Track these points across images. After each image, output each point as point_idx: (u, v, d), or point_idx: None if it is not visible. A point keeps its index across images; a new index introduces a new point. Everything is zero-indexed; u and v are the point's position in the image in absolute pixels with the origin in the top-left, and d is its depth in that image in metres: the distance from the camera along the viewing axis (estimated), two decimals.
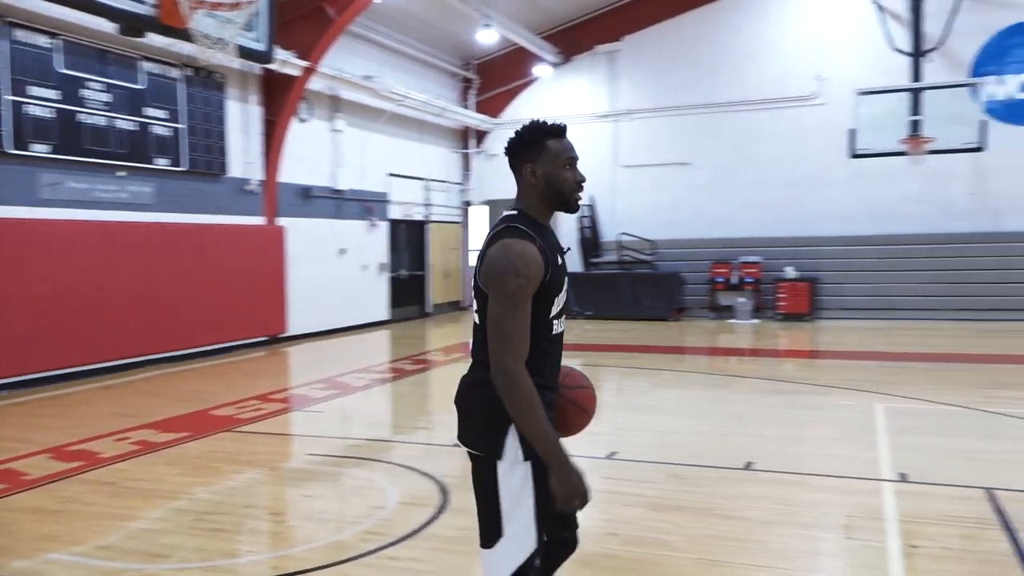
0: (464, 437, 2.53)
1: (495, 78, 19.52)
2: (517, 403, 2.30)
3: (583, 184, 2.60)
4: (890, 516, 4.77)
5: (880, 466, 5.81)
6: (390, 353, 13.24)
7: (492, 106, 19.69)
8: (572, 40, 18.75)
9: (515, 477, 2.40)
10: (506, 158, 2.60)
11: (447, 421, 7.97)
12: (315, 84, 13.86)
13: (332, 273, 14.90)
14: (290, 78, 13.05)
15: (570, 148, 2.58)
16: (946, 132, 13.76)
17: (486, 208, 21.52)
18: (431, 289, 18.60)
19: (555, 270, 2.45)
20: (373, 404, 8.98)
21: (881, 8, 15.24)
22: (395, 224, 17.13)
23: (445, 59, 18.72)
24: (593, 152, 18.81)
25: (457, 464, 6.32)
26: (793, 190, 16.86)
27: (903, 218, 16.26)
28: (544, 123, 2.58)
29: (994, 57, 15.82)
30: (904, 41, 14.81)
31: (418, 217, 18.11)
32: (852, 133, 14.13)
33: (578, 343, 13.98)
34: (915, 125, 13.88)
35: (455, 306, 19.63)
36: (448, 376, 10.74)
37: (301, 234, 13.96)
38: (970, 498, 5.00)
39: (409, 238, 17.87)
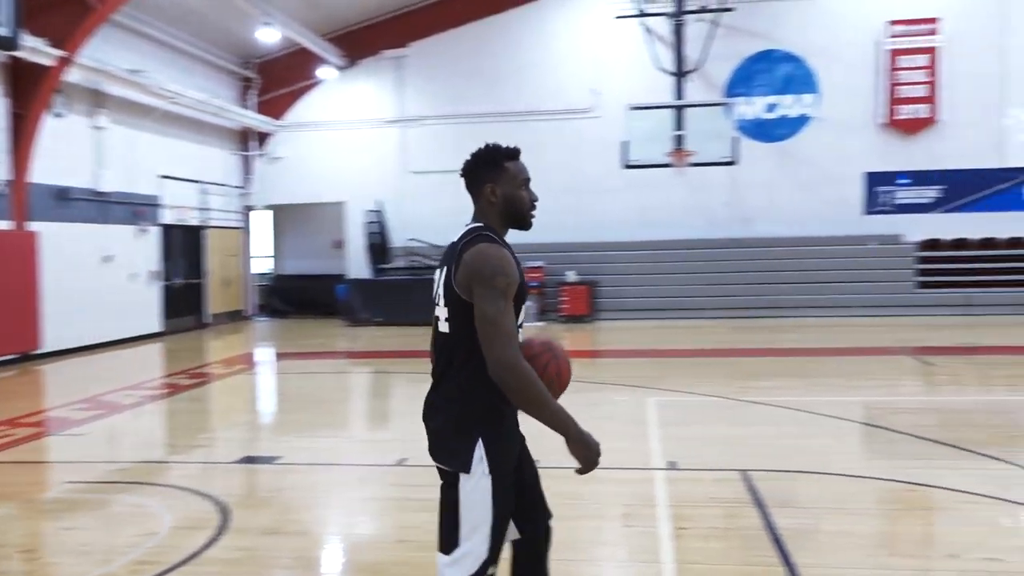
0: (435, 454, 2.63)
1: (277, 79, 18.86)
2: (529, 391, 2.41)
3: (536, 203, 2.70)
4: (662, 502, 5.12)
5: (652, 456, 6.23)
6: (164, 367, 12.36)
7: (275, 107, 19.00)
8: (358, 43, 18.53)
9: (477, 493, 2.51)
10: (463, 179, 2.70)
11: (229, 437, 7.57)
12: (73, 76, 12.66)
13: (95, 282, 13.67)
14: (41, 68, 11.82)
15: (524, 170, 2.70)
16: (706, 147, 15.06)
17: (270, 213, 20.70)
18: (209, 298, 17.59)
19: (522, 279, 2.58)
20: (144, 423, 8.33)
21: (649, 30, 16.41)
22: (168, 229, 16.02)
23: (223, 56, 17.81)
24: (381, 157, 18.71)
25: (239, 482, 6.01)
26: (574, 198, 17.72)
27: (672, 225, 17.60)
28: (501, 146, 2.68)
29: (744, 81, 17.57)
30: (669, 62, 16.04)
31: (194, 222, 17.07)
32: (625, 145, 15.09)
33: (368, 350, 13.81)
34: (679, 140, 15.07)
35: (237, 316, 18.71)
36: (230, 388, 10.20)
37: (58, 240, 12.69)
38: (729, 480, 5.48)
39: (184, 244, 16.79)
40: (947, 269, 16.96)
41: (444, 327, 2.59)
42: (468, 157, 2.70)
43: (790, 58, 17.51)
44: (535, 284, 17.09)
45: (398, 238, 18.26)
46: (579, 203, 17.76)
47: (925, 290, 16.86)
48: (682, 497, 5.21)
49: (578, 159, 17.83)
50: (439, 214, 17.99)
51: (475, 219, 2.69)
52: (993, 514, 4.80)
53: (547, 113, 17.90)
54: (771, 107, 17.64)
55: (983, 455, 6.03)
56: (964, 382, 9.66)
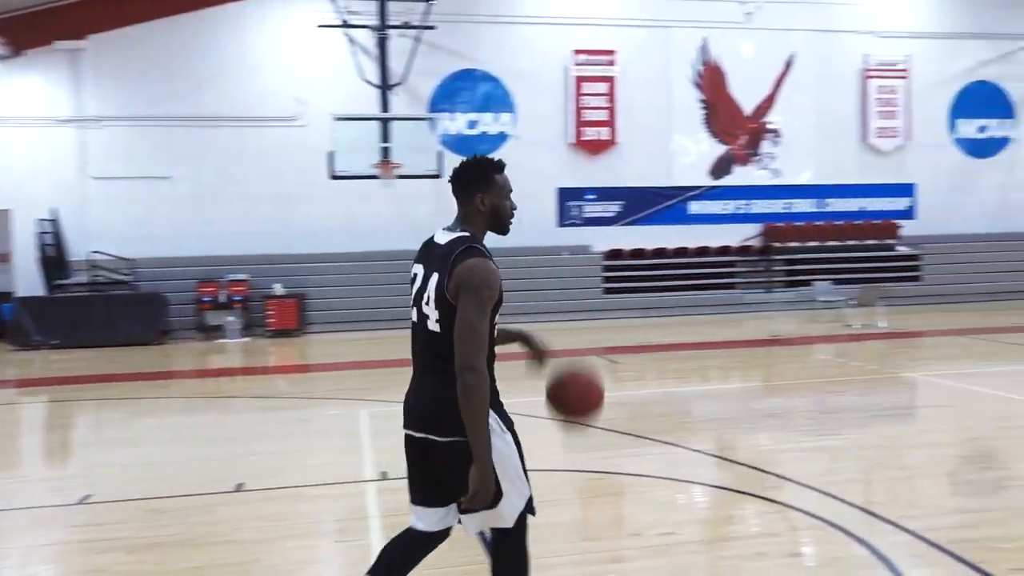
0: (440, 431, 2.84)
1: None
2: (478, 399, 2.72)
3: (515, 212, 3.04)
4: (374, 513, 5.11)
5: (364, 468, 6.20)
6: None
7: None
8: (24, 31, 16.38)
9: (503, 448, 2.86)
10: (451, 185, 2.97)
11: None
12: None
13: None
14: None
15: (508, 182, 3.02)
16: (412, 159, 15.35)
17: None
18: None
19: (501, 288, 2.86)
20: None
21: (353, 41, 16.38)
22: None
23: None
24: (54, 160, 16.68)
25: None
26: (279, 208, 17.13)
27: (380, 235, 17.69)
28: (490, 158, 2.99)
29: (447, 97, 18.20)
30: (374, 74, 16.14)
31: None
32: (331, 155, 14.90)
33: (42, 377, 12.23)
34: (385, 152, 15.21)
35: None
36: None
37: None
38: None
39: None
40: (628, 276, 18.88)
41: (434, 327, 2.88)
42: (458, 166, 2.99)
43: (489, 78, 18.46)
44: (239, 299, 16.26)
45: (78, 250, 16.39)
46: (285, 213, 17.22)
47: (610, 295, 18.63)
48: (396, 507, 5.23)
49: (283, 168, 17.28)
50: (128, 224, 16.46)
51: (460, 223, 3.00)
52: (667, 493, 5.42)
53: (250, 120, 17.14)
54: (472, 124, 18.46)
55: (658, 440, 6.78)
56: (644, 377, 10.79)
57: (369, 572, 3.09)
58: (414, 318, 2.99)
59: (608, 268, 18.85)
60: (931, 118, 20.81)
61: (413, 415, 2.96)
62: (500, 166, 3.02)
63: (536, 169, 18.67)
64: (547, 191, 18.85)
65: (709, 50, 19.56)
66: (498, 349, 3.06)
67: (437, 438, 2.88)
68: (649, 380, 10.55)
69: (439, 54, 17.75)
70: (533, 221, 18.65)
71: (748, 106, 19.91)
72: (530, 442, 6.85)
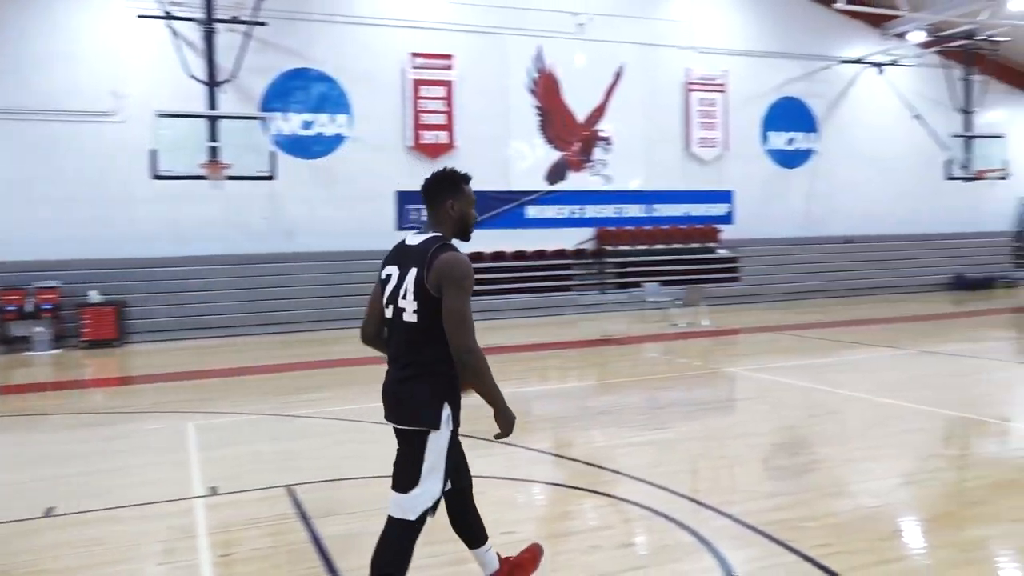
0: (405, 419, 3.22)
1: None
2: (484, 370, 3.18)
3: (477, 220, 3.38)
4: (202, 531, 4.85)
5: (192, 484, 5.88)
6: None
7: None
8: None
9: (440, 444, 3.20)
10: (423, 193, 3.33)
11: None
12: None
13: None
14: None
15: (472, 192, 3.39)
16: (242, 160, 14.75)
17: None
18: None
19: None
20: None
21: (176, 33, 15.52)
22: None
23: None
24: None
25: None
26: (96, 209, 15.94)
27: (208, 239, 16.86)
28: (458, 171, 3.36)
29: (280, 96, 17.61)
30: (200, 70, 15.36)
31: None
32: (153, 154, 14.06)
33: None
34: (214, 151, 14.53)
35: None
36: None
37: None
38: (274, 498, 5.41)
39: None
40: None
41: (411, 317, 3.17)
42: (429, 176, 3.33)
43: (324, 78, 18.05)
44: (48, 308, 14.99)
45: None
46: (102, 215, 16.03)
47: None
48: (225, 522, 5.00)
49: (100, 166, 16.09)
50: None
51: (431, 227, 3.31)
52: (507, 492, 5.50)
53: (61, 113, 15.83)
54: (307, 124, 17.98)
55: (496, 442, 6.87)
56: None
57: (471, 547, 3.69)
58: (389, 314, 3.28)
59: None
60: (746, 130, 22.38)
61: (387, 403, 3.30)
62: (467, 178, 3.41)
63: (374, 172, 18.47)
64: (386, 194, 18.67)
65: (543, 58, 20.08)
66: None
67: (399, 426, 3.26)
68: None
69: (271, 51, 17.17)
70: (372, 225, 18.42)
71: (581, 114, 20.61)
72: (369, 450, 6.78)
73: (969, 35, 21.81)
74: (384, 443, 7.10)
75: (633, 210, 21.23)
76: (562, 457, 6.50)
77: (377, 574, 3.24)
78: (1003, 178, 22.46)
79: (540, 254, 20.00)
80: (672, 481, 5.58)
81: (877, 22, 23.37)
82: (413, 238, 3.31)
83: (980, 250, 24.86)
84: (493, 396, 3.27)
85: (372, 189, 18.47)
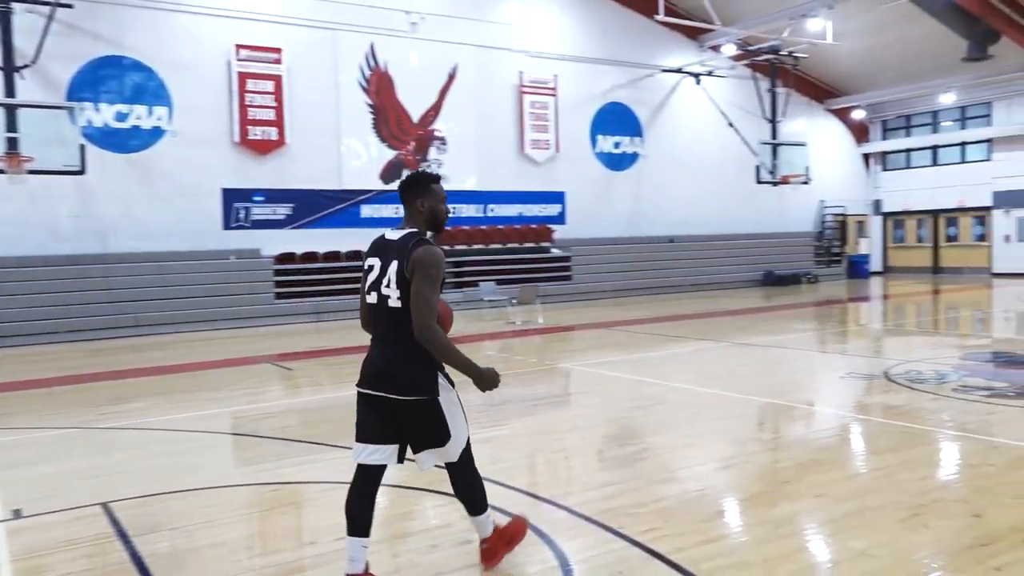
0: (402, 390, 3.66)
1: None
2: (442, 346, 3.56)
3: (451, 212, 4.29)
4: (4, 559, 4.42)
5: None
6: None
7: None
8: None
9: (451, 401, 3.74)
10: (399, 193, 3.82)
11: None
12: None
13: None
14: None
15: (443, 189, 3.86)
16: (47, 153, 13.59)
17: None
18: None
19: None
20: None
21: None
22: None
23: None
24: None
25: None
26: None
27: (8, 239, 15.42)
28: (428, 172, 3.87)
29: (89, 85, 16.37)
30: None
31: None
32: None
33: None
34: (12, 143, 13.30)
35: None
36: None
37: None
38: (89, 517, 5.02)
39: None
40: (300, 281, 18.50)
41: (395, 303, 3.64)
42: (403, 178, 3.83)
43: (140, 67, 16.95)
44: None
45: None
46: None
47: (282, 301, 18.11)
48: (31, 547, 4.58)
49: None
50: None
51: (407, 223, 3.80)
52: (344, 497, 5.38)
53: None
54: (122, 116, 16.82)
55: (336, 446, 6.72)
56: (320, 383, 10.63)
57: (349, 534, 3.81)
58: (373, 300, 3.73)
59: (279, 272, 18.32)
60: (576, 133, 23.16)
61: (376, 378, 3.74)
62: (436, 178, 3.87)
63: (198, 168, 17.59)
64: (211, 191, 17.83)
65: (376, 56, 19.86)
66: None
67: (395, 396, 3.68)
68: (325, 385, 10.42)
69: (79, 36, 15.96)
70: (196, 224, 17.54)
71: (416, 113, 20.56)
72: (191, 461, 6.45)
73: (774, 50, 23.65)
74: (207, 453, 6.79)
75: (469, 210, 21.44)
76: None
77: (470, 509, 4.03)
78: (805, 183, 24.49)
79: None
80: (510, 476, 5.67)
81: (694, 35, 24.88)
82: (392, 233, 3.76)
83: (787, 249, 27.03)
84: (460, 365, 3.63)
85: (196, 186, 17.58)
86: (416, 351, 3.63)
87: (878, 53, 25.84)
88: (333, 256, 19.20)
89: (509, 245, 21.64)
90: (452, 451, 3.85)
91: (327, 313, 18.17)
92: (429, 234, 3.81)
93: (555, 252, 22.26)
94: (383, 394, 3.72)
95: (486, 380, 3.73)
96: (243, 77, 18.01)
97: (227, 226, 18.06)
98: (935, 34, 23.40)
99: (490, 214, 21.72)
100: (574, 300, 21.14)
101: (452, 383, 3.79)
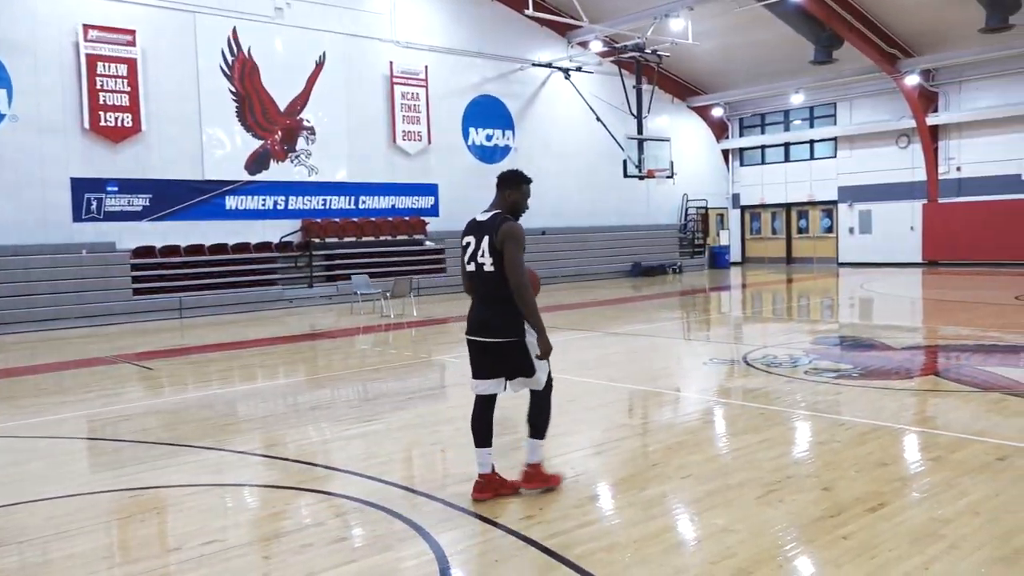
0: (497, 334, 4.82)
1: None
2: (530, 302, 4.73)
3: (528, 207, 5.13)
4: None
5: None
6: None
7: None
8: None
9: (531, 343, 4.82)
10: (498, 179, 5.04)
11: None
12: None
13: None
14: None
15: (529, 190, 5.10)
16: None
17: None
18: None
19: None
20: None
21: None
22: None
23: None
24: None
25: None
26: None
27: None
28: (523, 173, 5.08)
29: None
30: None
31: None
32: None
33: None
34: None
35: None
36: None
37: None
38: None
39: None
40: (161, 275, 17.62)
41: (490, 268, 4.76)
42: (505, 171, 5.04)
43: None
44: None
45: None
46: None
47: (140, 297, 17.20)
48: None
49: None
50: None
51: (493, 206, 4.95)
52: (211, 500, 5.18)
53: None
54: None
55: (200, 447, 6.46)
56: (183, 382, 10.17)
57: (477, 446, 4.97)
58: (472, 269, 4.88)
59: (137, 267, 17.41)
60: (448, 125, 23.15)
61: (479, 327, 4.88)
62: (528, 180, 5.08)
63: (44, 156, 16.47)
64: (59, 181, 16.73)
65: (239, 41, 19.16)
66: None
67: (493, 340, 4.81)
68: (189, 384, 9.97)
69: None
70: (41, 215, 16.40)
71: (282, 102, 19.98)
72: (43, 469, 6.04)
73: (639, 48, 24.42)
74: (58, 460, 6.36)
75: (340, 202, 21.05)
76: (272, 457, 6.26)
77: (532, 432, 5.02)
78: (670, 177, 25.47)
79: (243, 247, 19.11)
80: (385, 471, 5.62)
81: (563, 31, 25.35)
82: (481, 216, 4.93)
83: (653, 241, 28.06)
84: (536, 323, 4.75)
85: (40, 175, 16.44)
86: (507, 305, 4.73)
87: (735, 54, 27.15)
88: (196, 249, 18.39)
89: (382, 238, 21.38)
90: (539, 380, 4.92)
91: (192, 309, 17.41)
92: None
93: (429, 245, 22.17)
94: (485, 339, 4.84)
95: (547, 345, 4.79)
96: (92, 60, 16.93)
97: (78, 218, 16.97)
98: (786, 38, 24.81)
99: (362, 206, 21.38)
100: (448, 293, 21.14)
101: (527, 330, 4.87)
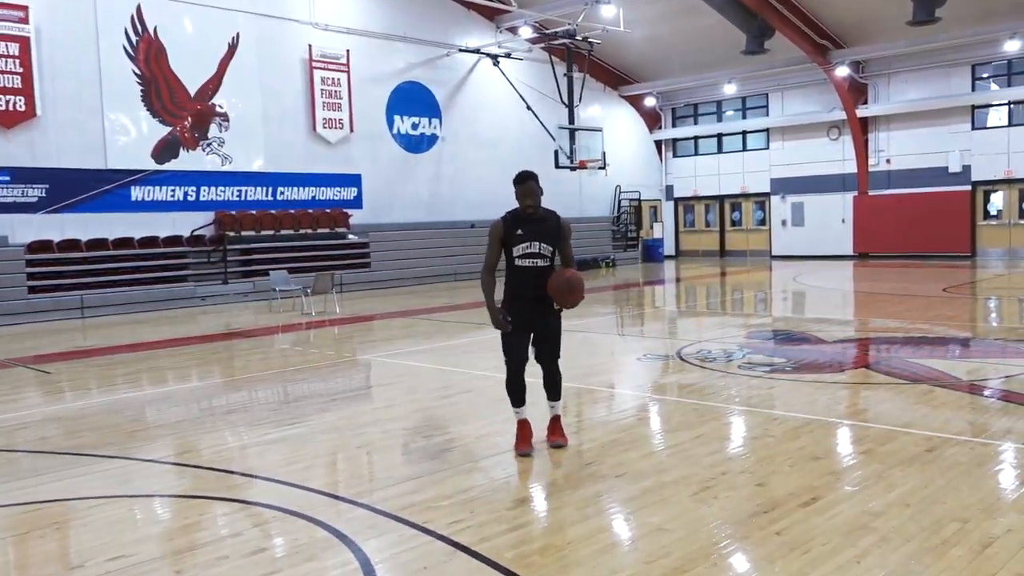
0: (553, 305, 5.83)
1: None
2: (482, 287, 5.91)
3: (529, 207, 5.81)
4: None
5: None
6: None
7: None
8: None
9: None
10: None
11: None
12: None
13: None
14: None
15: (525, 192, 5.82)
16: None
17: None
18: None
19: (507, 232, 5.86)
20: None
21: None
22: None
23: None
24: None
25: None
26: None
27: None
28: (525, 172, 5.86)
29: None
30: None
31: None
32: None
33: None
34: None
35: None
36: None
37: None
38: None
39: None
40: (60, 272, 16.98)
41: (549, 255, 5.86)
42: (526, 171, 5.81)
43: None
44: None
45: None
46: None
47: (37, 295, 16.55)
48: None
49: None
50: None
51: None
52: (118, 512, 5.02)
53: None
54: None
55: (105, 456, 6.25)
56: (86, 386, 9.82)
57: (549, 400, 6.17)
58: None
59: (33, 263, 16.73)
60: (371, 113, 22.93)
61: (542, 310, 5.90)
62: (520, 179, 5.77)
63: None
64: None
65: (145, 20, 18.58)
66: None
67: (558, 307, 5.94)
68: (92, 389, 9.64)
69: None
70: None
71: (192, 86, 19.48)
72: None
73: (570, 35, 24.60)
74: None
75: (256, 193, 20.66)
76: (184, 465, 6.11)
77: (551, 396, 6.15)
78: (602, 167, 25.73)
79: (150, 241, 18.59)
80: (307, 477, 5.54)
81: (491, 15, 25.36)
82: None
83: (586, 233, 28.31)
84: (487, 305, 5.87)
85: None
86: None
87: (667, 42, 27.60)
88: (99, 244, 17.78)
89: (301, 231, 21.05)
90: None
91: (95, 308, 16.82)
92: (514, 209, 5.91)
93: (352, 238, 21.93)
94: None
95: (493, 321, 5.84)
96: None
97: None
98: (718, 27, 25.35)
99: (280, 198, 21.00)
100: (373, 288, 20.94)
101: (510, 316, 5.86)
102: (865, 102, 27.45)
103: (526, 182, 5.72)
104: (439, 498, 4.99)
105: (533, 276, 5.78)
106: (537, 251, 5.76)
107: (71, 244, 17.42)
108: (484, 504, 4.88)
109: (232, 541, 4.45)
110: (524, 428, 6.04)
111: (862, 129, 27.50)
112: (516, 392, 6.00)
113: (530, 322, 5.88)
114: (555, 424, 6.18)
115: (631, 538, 4.37)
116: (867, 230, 27.84)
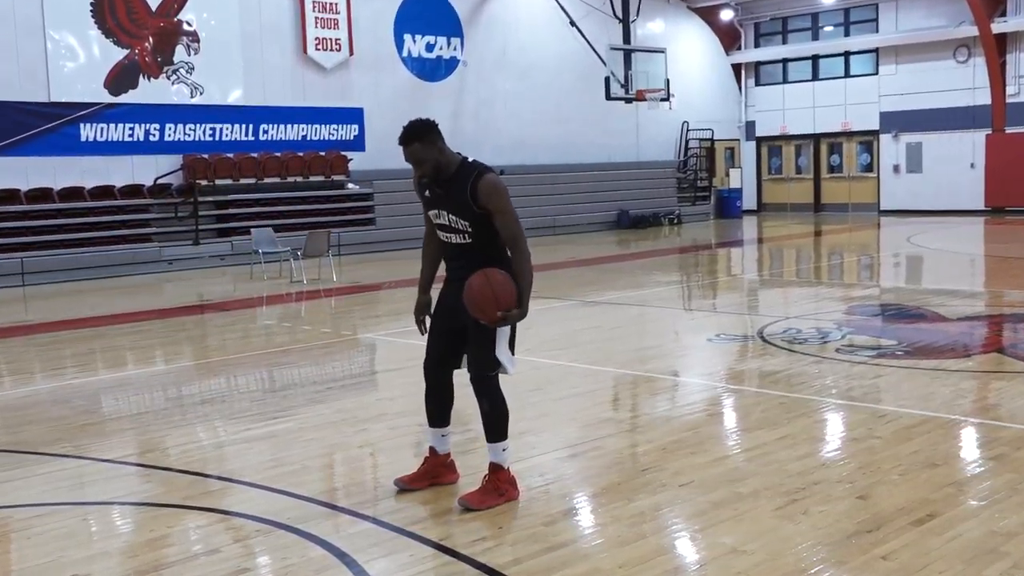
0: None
1: None
2: None
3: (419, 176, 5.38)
4: None
5: None
6: None
7: None
8: None
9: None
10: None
11: None
12: None
13: None
14: None
15: (409, 155, 5.37)
16: None
17: None
18: None
19: (422, 194, 5.51)
20: None
21: None
22: None
23: None
24: None
25: None
26: None
27: None
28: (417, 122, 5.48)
29: None
30: None
31: None
32: None
33: None
34: None
35: None
36: None
37: None
38: None
39: None
40: None
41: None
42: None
43: None
44: None
45: None
46: None
47: None
48: None
49: None
50: None
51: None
52: (68, 522, 5.13)
53: None
54: None
55: (52, 454, 6.39)
56: (27, 369, 10.02)
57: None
58: None
59: None
60: (376, 31, 22.88)
61: None
62: (400, 139, 5.31)
63: None
64: None
65: None
66: None
67: None
68: (34, 373, 9.84)
69: None
70: None
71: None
72: None
73: None
74: None
75: (234, 132, 20.78)
76: (149, 466, 6.23)
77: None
78: (665, 99, 25.47)
79: (104, 192, 18.81)
80: (297, 482, 5.61)
81: None
82: None
83: (644, 183, 28.15)
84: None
85: None
86: None
87: None
88: (42, 195, 18.03)
89: (290, 179, 21.16)
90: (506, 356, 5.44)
91: (35, 274, 17.09)
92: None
93: (352, 188, 22.01)
94: None
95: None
96: None
97: None
98: None
99: (264, 138, 21.11)
100: (378, 251, 21.05)
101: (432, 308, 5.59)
102: (1003, 14, 26.84)
103: (408, 144, 5.19)
104: (460, 510, 5.03)
105: (453, 257, 5.28)
106: (446, 223, 5.17)
107: (8, 195, 17.68)
108: (516, 518, 4.91)
109: (207, 559, 4.54)
110: (425, 460, 5.48)
111: (999, 49, 26.91)
112: (426, 403, 5.49)
113: (452, 314, 5.18)
114: (485, 478, 5.17)
115: (698, 561, 4.38)
116: (1003, 178, 27.35)
